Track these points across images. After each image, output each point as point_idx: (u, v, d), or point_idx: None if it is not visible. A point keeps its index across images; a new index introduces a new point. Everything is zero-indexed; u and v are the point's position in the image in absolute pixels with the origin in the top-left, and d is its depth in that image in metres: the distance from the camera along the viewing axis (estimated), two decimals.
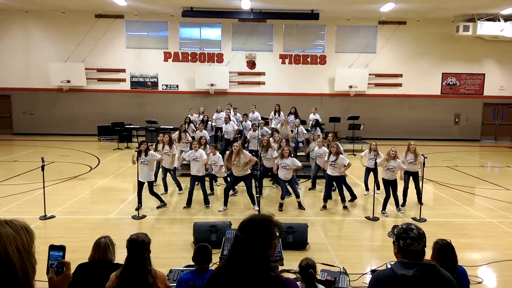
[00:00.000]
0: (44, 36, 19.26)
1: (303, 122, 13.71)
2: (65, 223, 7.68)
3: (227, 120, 12.34)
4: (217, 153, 9.08)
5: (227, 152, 8.84)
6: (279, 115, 13.17)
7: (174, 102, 19.20)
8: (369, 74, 19.54)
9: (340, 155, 8.72)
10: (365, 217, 8.34)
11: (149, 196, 8.90)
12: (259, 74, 19.80)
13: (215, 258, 4.60)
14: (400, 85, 20.00)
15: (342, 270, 5.50)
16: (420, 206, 8.46)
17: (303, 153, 11.90)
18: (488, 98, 20.37)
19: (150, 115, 18.29)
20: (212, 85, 19.01)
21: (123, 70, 19.52)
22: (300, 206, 8.83)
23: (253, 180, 9.16)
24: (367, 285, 2.50)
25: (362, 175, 10.33)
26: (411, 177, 8.96)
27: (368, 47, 19.68)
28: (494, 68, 20.10)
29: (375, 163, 9.13)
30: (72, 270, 1.82)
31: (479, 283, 5.57)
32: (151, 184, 8.69)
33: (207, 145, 9.63)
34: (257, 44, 19.74)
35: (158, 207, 8.70)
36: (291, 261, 5.62)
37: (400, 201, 8.81)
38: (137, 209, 8.27)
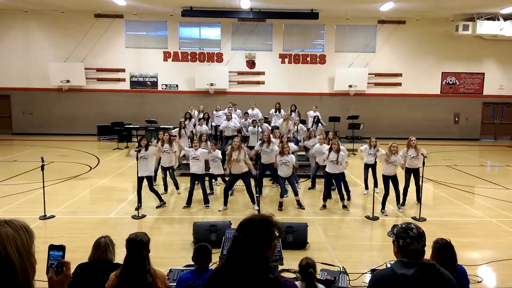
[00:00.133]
0: (44, 36, 19.25)
1: (303, 122, 13.73)
2: (65, 223, 7.68)
3: (229, 117, 12.35)
4: (217, 150, 9.10)
5: (228, 148, 8.83)
6: (279, 113, 13.19)
7: (174, 101, 19.20)
8: (369, 74, 19.55)
9: (341, 152, 8.72)
10: (365, 217, 8.34)
11: (149, 196, 8.91)
12: (258, 73, 19.80)
13: (215, 257, 4.60)
14: (399, 84, 20.02)
15: (342, 270, 5.50)
16: (420, 205, 8.47)
17: (303, 153, 11.90)
18: (487, 97, 20.38)
19: (149, 114, 18.28)
20: (211, 84, 19.01)
21: (123, 70, 19.52)
22: (299, 205, 8.83)
23: (252, 180, 9.16)
24: (367, 285, 2.50)
25: (361, 175, 10.33)
26: (412, 175, 8.93)
27: (368, 47, 19.69)
28: (494, 67, 20.11)
29: (375, 159, 9.12)
30: (72, 270, 1.82)
31: (478, 282, 5.58)
32: (151, 180, 8.69)
33: (208, 142, 9.63)
34: (257, 44, 19.74)
35: (157, 207, 8.70)
36: (291, 261, 5.62)
37: (400, 199, 8.80)
38: (137, 208, 8.27)
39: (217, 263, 5.03)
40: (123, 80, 19.61)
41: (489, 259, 6.33)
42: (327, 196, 8.96)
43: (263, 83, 19.81)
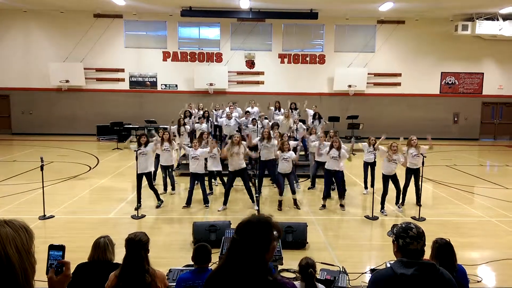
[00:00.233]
0: (43, 36, 19.24)
1: (302, 121, 13.72)
2: (65, 223, 7.68)
3: (229, 116, 12.35)
4: (217, 147, 9.10)
5: (229, 141, 8.84)
6: (279, 112, 13.20)
7: (173, 101, 19.14)
8: (368, 74, 19.56)
9: (342, 149, 8.74)
10: (365, 216, 8.35)
11: (148, 195, 8.91)
12: (258, 73, 19.80)
13: (215, 257, 4.59)
14: (399, 84, 20.03)
15: (341, 270, 5.50)
16: (419, 206, 8.48)
17: (302, 153, 11.90)
18: (487, 97, 20.40)
19: (149, 114, 18.28)
20: (211, 84, 19.01)
21: (122, 70, 19.51)
22: (296, 204, 8.82)
23: (253, 179, 9.17)
24: (367, 284, 2.50)
25: (361, 174, 10.34)
26: (412, 176, 8.91)
27: (367, 47, 19.69)
28: (493, 67, 20.13)
29: (374, 158, 9.13)
30: (72, 270, 1.82)
31: (478, 282, 5.58)
32: (150, 177, 8.69)
33: (209, 139, 9.64)
34: (256, 44, 19.74)
35: (157, 207, 8.70)
36: (290, 261, 5.62)
37: (401, 198, 8.81)
38: (137, 208, 8.27)
39: (217, 263, 5.04)
40: (123, 80, 19.61)
41: (488, 258, 6.34)
42: (326, 195, 8.96)
43: (262, 83, 19.81)
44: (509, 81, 20.29)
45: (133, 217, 8.06)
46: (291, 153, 8.81)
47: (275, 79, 19.74)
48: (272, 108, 13.63)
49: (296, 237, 6.60)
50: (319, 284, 4.02)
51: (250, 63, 19.77)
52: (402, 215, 8.47)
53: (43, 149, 15.34)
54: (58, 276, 1.70)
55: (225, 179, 9.61)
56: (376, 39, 19.74)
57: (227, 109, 13.13)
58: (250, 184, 8.96)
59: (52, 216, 7.94)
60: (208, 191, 9.44)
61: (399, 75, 19.94)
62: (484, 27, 17.89)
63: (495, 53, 19.82)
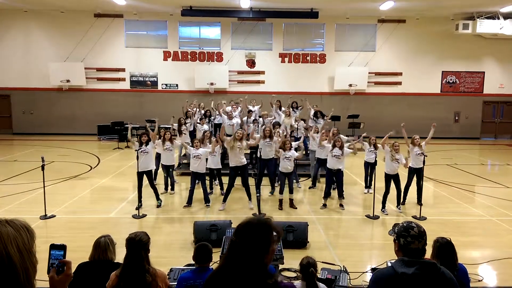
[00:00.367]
0: (44, 35, 19.25)
1: (303, 120, 13.72)
2: (66, 223, 7.69)
3: (231, 116, 12.34)
4: (218, 146, 9.10)
5: (228, 139, 8.85)
6: (280, 111, 13.20)
7: (174, 101, 19.13)
8: (369, 73, 19.54)
9: (345, 148, 8.77)
10: (365, 216, 8.35)
11: (149, 195, 8.91)
12: (258, 73, 19.80)
13: (216, 257, 4.60)
14: (399, 83, 20.01)
15: (342, 269, 5.50)
16: (420, 205, 8.48)
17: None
18: (488, 96, 20.37)
19: (149, 114, 18.24)
20: (211, 84, 19.01)
21: (123, 70, 19.52)
22: (292, 205, 8.82)
23: (252, 179, 9.16)
24: (368, 284, 2.50)
25: (362, 174, 10.34)
26: (415, 176, 8.89)
27: (368, 46, 19.68)
28: (494, 66, 20.10)
29: (375, 158, 9.13)
30: (73, 269, 1.82)
31: (479, 281, 5.58)
32: (151, 175, 8.69)
33: (211, 138, 9.66)
34: (257, 43, 19.73)
35: (158, 206, 8.71)
36: (291, 260, 5.62)
37: (401, 198, 8.80)
38: (137, 208, 8.28)
39: (218, 262, 5.04)
40: (123, 79, 19.61)
41: (489, 257, 6.33)
42: (328, 193, 8.96)
43: (263, 82, 19.80)
44: (510, 80, 20.26)
45: (134, 216, 8.06)
46: (293, 152, 8.82)
47: (275, 79, 19.73)
48: (274, 107, 13.61)
49: (297, 236, 6.60)
50: (320, 283, 4.02)
51: (251, 63, 19.76)
52: (403, 214, 8.47)
53: (44, 149, 15.35)
54: (59, 276, 1.70)
55: (224, 179, 9.63)
56: (377, 38, 19.73)
57: (228, 108, 13.12)
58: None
59: (53, 216, 7.94)
60: (208, 190, 9.44)
61: (400, 74, 19.93)
62: (484, 26, 17.87)
63: (496, 52, 19.79)
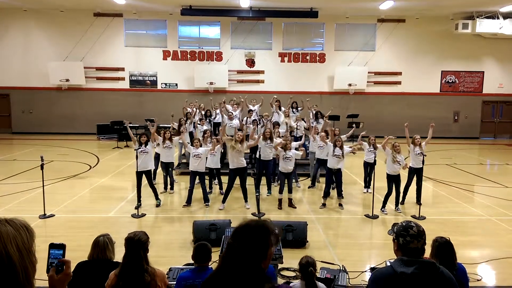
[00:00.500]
0: (43, 35, 19.23)
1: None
2: (65, 222, 7.69)
3: (231, 116, 12.35)
4: (218, 145, 9.10)
5: (228, 141, 8.85)
6: (280, 111, 13.20)
7: (173, 100, 19.15)
8: (368, 72, 19.54)
9: (345, 147, 8.80)
10: (365, 215, 8.36)
11: (149, 194, 8.90)
12: (258, 72, 19.79)
13: (215, 256, 4.60)
14: (399, 83, 20.01)
15: (341, 268, 5.51)
16: (419, 206, 8.49)
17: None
18: (487, 95, 20.38)
19: (149, 113, 18.24)
20: (211, 83, 19.00)
21: (122, 69, 19.50)
22: (291, 204, 8.83)
23: (251, 179, 9.17)
24: (367, 283, 2.50)
25: (361, 173, 10.34)
26: (415, 176, 8.89)
27: (367, 45, 19.68)
28: (493, 65, 20.11)
29: (374, 158, 9.14)
30: (72, 268, 1.82)
31: (478, 280, 5.59)
32: (150, 175, 8.70)
33: (211, 138, 9.66)
34: (256, 43, 19.72)
35: (157, 206, 8.71)
36: (290, 259, 5.63)
37: (400, 198, 8.81)
38: (137, 207, 8.28)
39: (217, 261, 5.04)
40: (123, 79, 19.60)
41: (488, 257, 6.34)
42: (327, 192, 8.97)
43: (262, 82, 19.79)
44: (509, 79, 20.27)
45: (133, 216, 8.07)
46: (294, 151, 8.83)
47: (275, 78, 19.72)
48: (274, 107, 13.62)
49: (296, 236, 6.60)
50: (319, 282, 4.03)
51: (250, 62, 19.75)
52: (403, 214, 8.48)
53: (43, 148, 15.34)
54: (59, 275, 1.70)
55: (223, 178, 9.63)
56: (377, 37, 19.73)
57: (229, 107, 13.12)
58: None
59: (52, 215, 7.94)
60: (207, 189, 9.43)
61: (400, 73, 19.93)
62: (484, 26, 17.88)
63: (496, 51, 19.80)
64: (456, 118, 20.49)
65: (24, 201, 8.90)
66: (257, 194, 8.19)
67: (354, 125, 12.01)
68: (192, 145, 8.94)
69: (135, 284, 3.23)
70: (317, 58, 19.82)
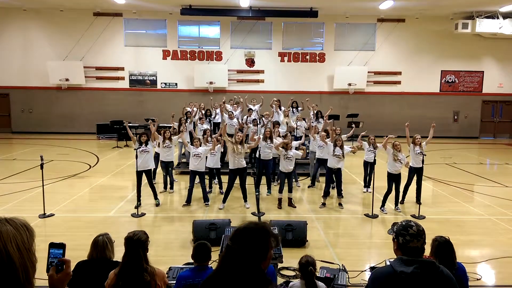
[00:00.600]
0: (43, 34, 19.22)
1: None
2: (65, 221, 7.69)
3: (231, 115, 12.35)
4: (218, 145, 9.09)
5: (229, 142, 8.85)
6: (280, 110, 13.20)
7: (173, 100, 19.17)
8: (368, 72, 19.54)
9: (345, 146, 8.83)
10: (364, 214, 8.36)
11: (149, 194, 8.90)
12: (258, 72, 19.79)
13: (215, 255, 4.60)
14: (399, 82, 20.02)
15: (341, 267, 5.51)
16: (419, 204, 8.50)
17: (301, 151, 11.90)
18: (487, 95, 20.39)
19: (149, 113, 18.27)
20: (211, 83, 19.00)
21: (122, 68, 19.50)
22: (291, 203, 8.83)
23: (251, 178, 9.16)
24: (366, 282, 2.50)
25: (361, 173, 10.34)
26: (415, 175, 8.89)
27: (367, 45, 19.68)
28: (493, 65, 20.12)
29: (374, 157, 9.14)
30: (72, 268, 1.82)
31: (478, 279, 5.59)
32: (150, 174, 8.70)
33: (210, 137, 9.66)
34: (256, 42, 19.71)
35: (157, 205, 8.71)
36: (290, 259, 5.64)
37: (400, 198, 8.82)
38: (137, 207, 8.28)
39: (217, 261, 5.05)
40: (122, 78, 19.59)
41: (488, 256, 6.35)
42: (327, 191, 8.97)
43: (262, 81, 19.79)
44: (509, 79, 20.27)
45: (133, 215, 8.07)
46: (295, 151, 8.84)
47: (275, 78, 19.73)
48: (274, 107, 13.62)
49: (296, 235, 6.60)
50: (319, 282, 4.03)
51: (250, 62, 19.75)
52: (402, 213, 8.49)
53: (43, 148, 15.34)
54: (59, 274, 1.70)
55: (223, 178, 9.64)
56: (376, 37, 19.73)
57: (228, 107, 13.12)
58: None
59: (52, 215, 7.94)
60: (207, 189, 9.43)
61: (399, 73, 19.93)
62: (484, 26, 17.88)
63: (495, 51, 19.80)
64: (455, 117, 20.50)
65: (24, 200, 8.90)
66: (257, 193, 8.20)
67: (353, 125, 11.99)
68: (192, 144, 8.94)
69: (135, 284, 3.23)
70: (317, 57, 19.82)
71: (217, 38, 19.73)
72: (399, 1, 16.16)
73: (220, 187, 9.77)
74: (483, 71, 20.16)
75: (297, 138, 11.64)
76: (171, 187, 9.95)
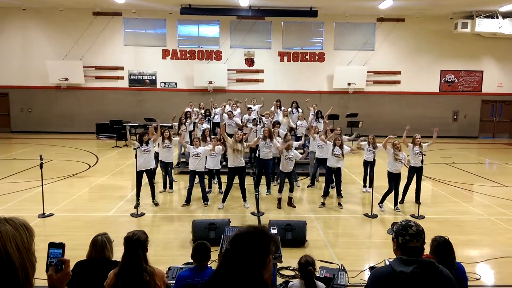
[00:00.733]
0: (42, 34, 19.20)
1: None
2: (64, 221, 7.68)
3: (231, 115, 12.35)
4: (219, 146, 9.08)
5: (229, 140, 8.85)
6: (280, 110, 13.21)
7: (173, 99, 19.17)
8: (368, 72, 19.54)
9: (344, 146, 8.85)
10: (364, 214, 8.36)
11: (148, 194, 8.89)
12: (257, 71, 19.78)
13: (214, 255, 4.60)
14: (398, 82, 20.02)
15: (340, 267, 5.51)
16: (419, 204, 8.50)
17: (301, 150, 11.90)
18: (486, 95, 20.40)
19: (148, 112, 18.26)
20: (210, 82, 19.00)
21: (121, 68, 19.48)
22: (290, 203, 8.82)
23: (251, 178, 9.16)
24: (366, 282, 2.50)
25: (361, 173, 10.35)
26: (415, 175, 8.90)
27: (367, 45, 19.68)
28: (492, 65, 20.12)
29: (374, 157, 9.15)
30: (71, 267, 1.82)
31: (477, 279, 5.60)
32: (151, 174, 8.69)
33: (210, 137, 9.65)
34: (256, 42, 19.70)
35: (156, 205, 8.71)
36: (290, 259, 5.64)
37: (399, 197, 8.82)
38: (136, 206, 8.27)
39: (216, 261, 5.05)
40: (122, 78, 19.58)
41: (487, 256, 6.36)
42: (327, 191, 8.97)
43: (262, 81, 19.79)
44: (508, 79, 20.28)
45: (132, 215, 8.06)
46: (295, 152, 8.84)
47: (274, 77, 19.72)
48: (273, 107, 13.63)
49: (295, 235, 6.60)
50: (319, 282, 4.03)
51: (250, 61, 19.74)
52: (402, 213, 8.49)
53: (42, 147, 15.32)
54: (58, 274, 1.70)
55: (222, 178, 9.63)
56: (376, 37, 19.73)
57: (227, 107, 13.11)
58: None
59: (51, 214, 7.94)
60: (206, 189, 9.43)
61: (399, 73, 19.93)
62: (483, 25, 17.88)
63: (495, 51, 19.81)
64: (455, 117, 20.50)
65: (23, 200, 8.89)
66: (257, 193, 8.20)
67: (361, 137, 11.94)
68: (191, 144, 8.94)
69: (134, 283, 3.23)
70: (317, 57, 19.82)
71: (217, 37, 19.72)
72: (399, 1, 16.16)
73: (220, 187, 9.77)
74: (483, 71, 20.17)
75: (297, 138, 11.64)
76: (171, 187, 9.95)
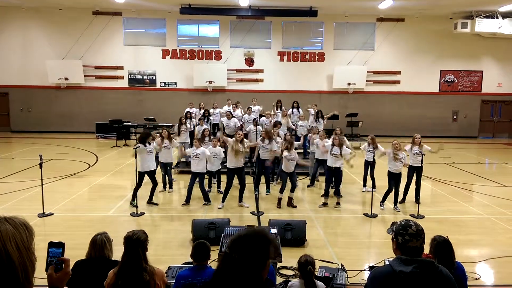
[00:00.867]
0: (42, 33, 19.19)
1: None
2: (64, 221, 7.68)
3: (229, 116, 12.34)
4: (218, 146, 9.07)
5: (230, 140, 8.85)
6: (280, 110, 13.20)
7: (173, 99, 19.18)
8: (368, 71, 19.54)
9: (344, 146, 8.81)
10: (363, 214, 8.37)
11: (148, 193, 8.88)
12: (257, 71, 19.78)
13: (214, 255, 4.60)
14: (398, 82, 20.02)
15: (340, 267, 5.51)
16: (418, 203, 8.51)
17: (301, 150, 11.91)
18: (486, 95, 20.40)
19: (148, 112, 18.26)
20: (210, 82, 18.99)
21: (121, 67, 19.48)
22: (290, 203, 8.81)
23: (250, 178, 9.16)
24: (365, 282, 2.51)
25: (361, 173, 10.35)
26: (415, 174, 8.91)
27: (367, 44, 19.68)
28: (492, 65, 20.13)
29: (373, 157, 9.15)
30: (71, 266, 1.82)
31: (476, 279, 5.60)
32: (154, 175, 8.69)
33: (210, 137, 9.66)
34: (256, 41, 19.70)
35: (155, 204, 8.71)
36: (289, 258, 5.64)
37: (400, 197, 8.83)
38: (136, 206, 8.27)
39: (216, 260, 5.05)
40: (122, 77, 19.57)
41: (487, 256, 6.36)
42: (327, 191, 8.97)
43: (261, 80, 19.79)
44: (508, 79, 20.29)
45: (132, 214, 8.06)
46: (296, 155, 8.82)
47: (274, 77, 19.72)
48: (274, 107, 13.62)
49: (295, 234, 6.61)
50: (318, 281, 4.03)
51: (250, 61, 19.74)
52: (402, 213, 8.49)
53: (42, 147, 15.32)
54: (58, 273, 1.70)
55: (222, 177, 9.63)
56: (376, 37, 19.73)
57: (226, 107, 13.11)
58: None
59: (51, 214, 7.94)
60: (206, 188, 9.42)
61: (399, 73, 19.93)
62: (483, 25, 17.89)
63: (495, 51, 19.81)
64: (455, 117, 20.51)
65: (23, 199, 8.89)
66: (256, 193, 8.20)
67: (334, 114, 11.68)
68: (191, 145, 8.94)
69: (134, 283, 3.23)
70: (316, 57, 19.82)
71: (217, 37, 19.71)
72: (399, 1, 16.16)
73: (218, 187, 9.78)
74: (482, 71, 20.17)
75: (297, 138, 11.64)
76: (170, 187, 9.95)
